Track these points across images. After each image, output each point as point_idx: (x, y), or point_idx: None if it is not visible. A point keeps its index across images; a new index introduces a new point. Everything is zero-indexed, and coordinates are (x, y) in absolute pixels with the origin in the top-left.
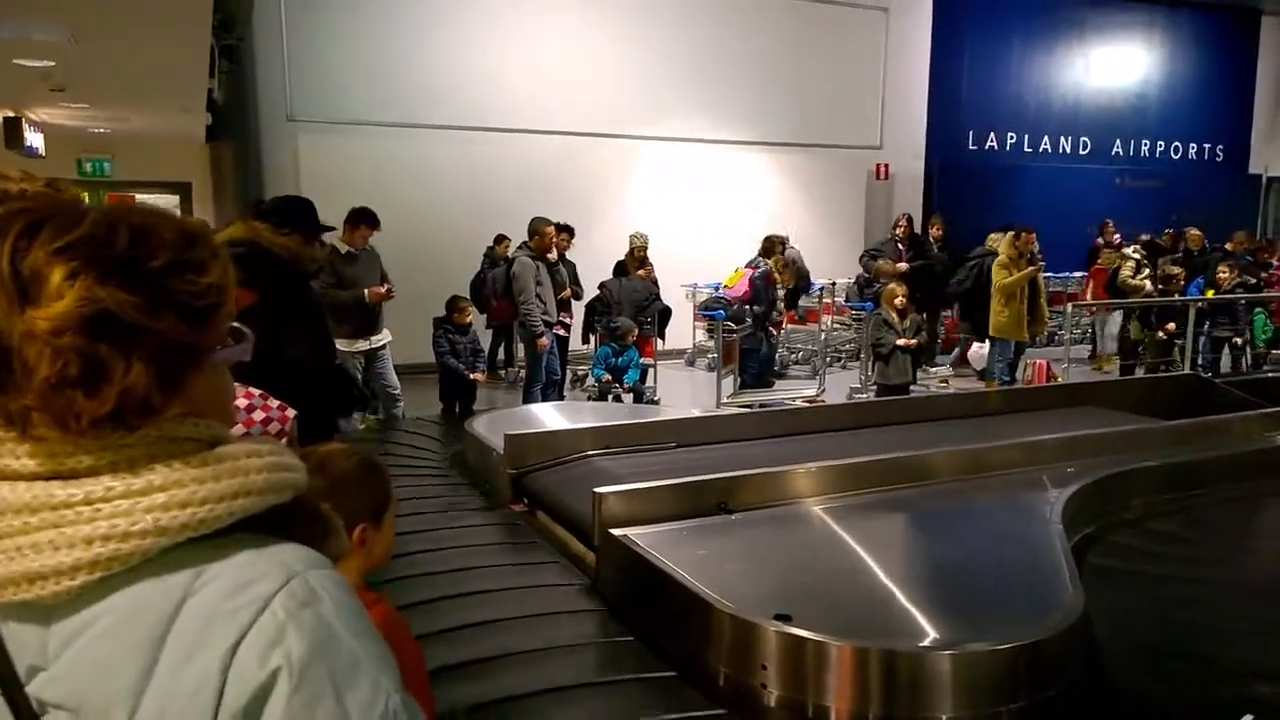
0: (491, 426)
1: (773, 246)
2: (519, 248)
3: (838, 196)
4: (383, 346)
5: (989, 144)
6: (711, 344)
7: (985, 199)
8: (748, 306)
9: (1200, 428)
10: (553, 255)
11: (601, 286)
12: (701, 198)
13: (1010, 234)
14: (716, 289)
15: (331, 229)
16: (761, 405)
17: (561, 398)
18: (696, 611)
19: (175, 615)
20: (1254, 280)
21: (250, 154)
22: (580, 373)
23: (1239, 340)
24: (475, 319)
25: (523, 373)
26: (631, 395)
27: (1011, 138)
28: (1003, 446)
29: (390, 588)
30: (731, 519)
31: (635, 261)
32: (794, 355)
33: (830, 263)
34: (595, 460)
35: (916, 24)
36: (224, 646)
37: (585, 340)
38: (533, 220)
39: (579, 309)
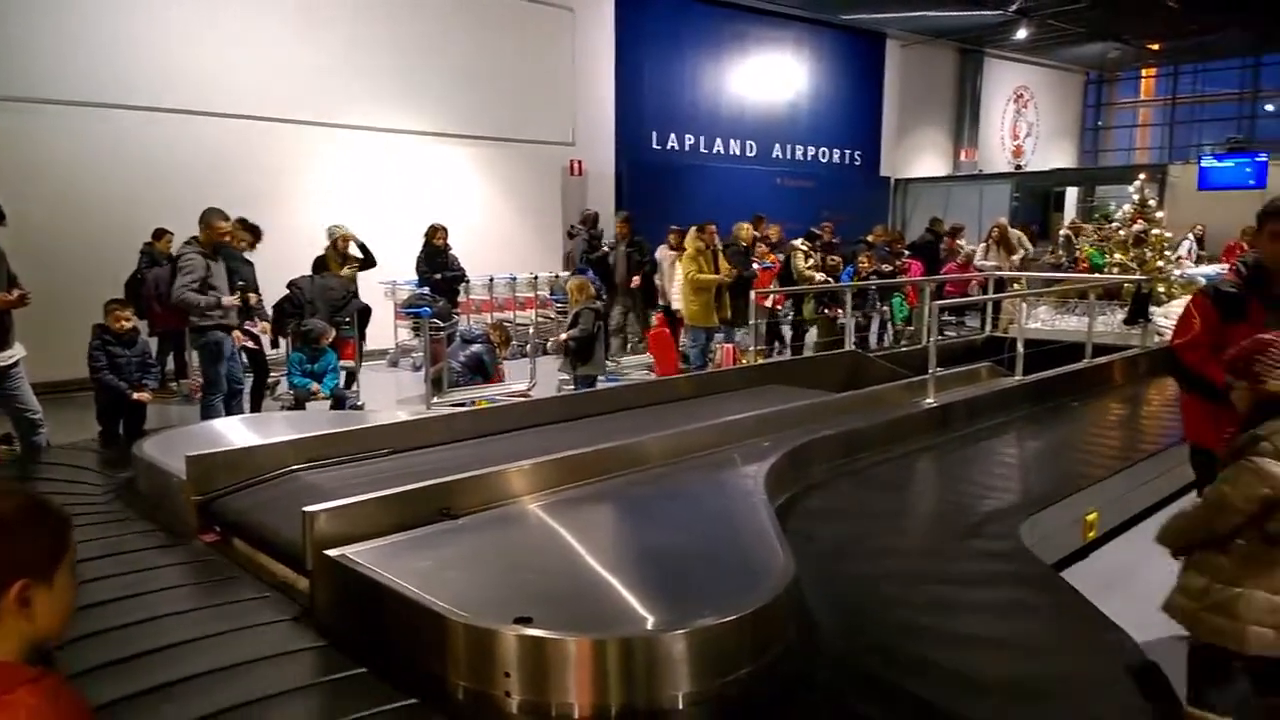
0: (167, 448)
1: None
2: (186, 243)
3: (535, 191)
4: (14, 363)
5: (670, 144)
6: (415, 343)
7: (669, 196)
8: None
9: (863, 397)
10: (243, 247)
11: (291, 285)
12: (400, 191)
13: (694, 228)
14: (417, 285)
15: None
16: (473, 404)
17: (257, 409)
18: (430, 627)
19: None
20: (890, 268)
21: None
22: (272, 380)
23: (865, 320)
24: (142, 327)
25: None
26: (332, 402)
27: (689, 139)
28: (705, 428)
29: (59, 654)
30: (456, 524)
31: (338, 256)
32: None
33: (534, 256)
34: (299, 476)
35: (601, 26)
36: None
37: (275, 345)
38: (205, 211)
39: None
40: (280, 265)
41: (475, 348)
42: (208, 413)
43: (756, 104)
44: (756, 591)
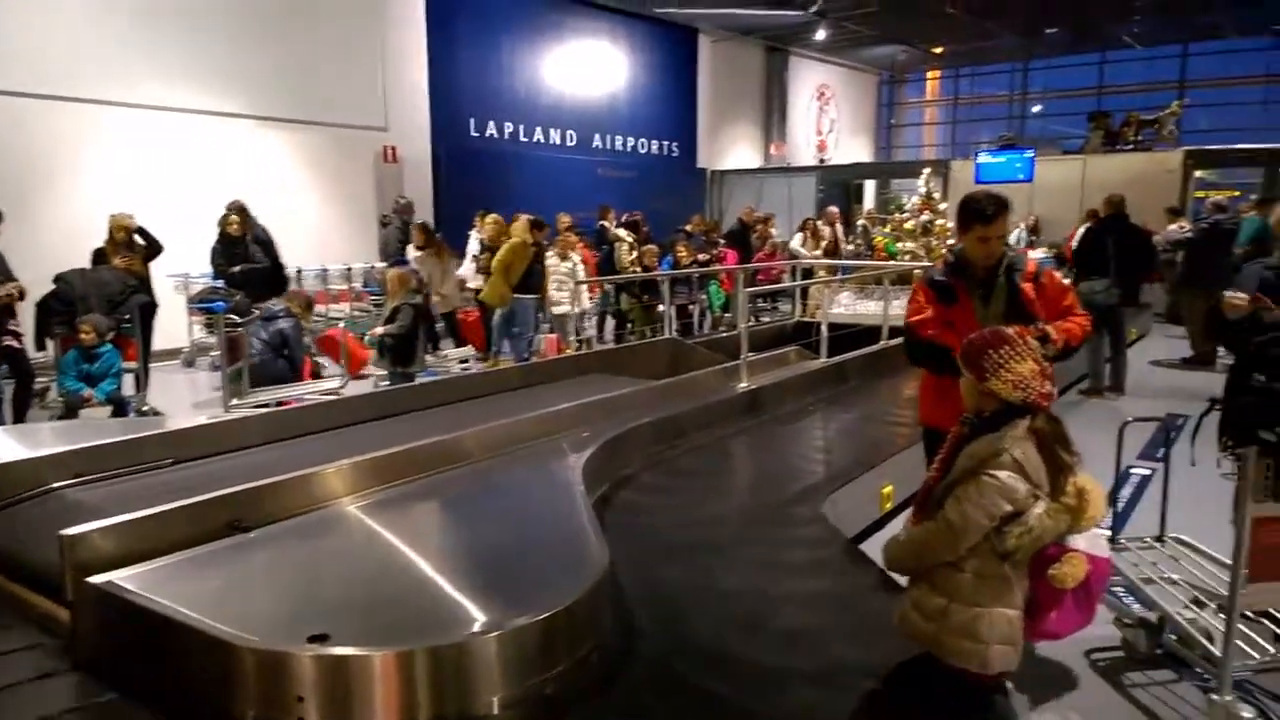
0: None
1: None
2: None
3: (346, 178)
4: None
5: (489, 132)
6: (213, 340)
7: (490, 183)
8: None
9: (682, 384)
10: None
11: (59, 280)
12: (194, 176)
13: (526, 220)
14: (214, 279)
15: None
16: (279, 405)
17: (21, 419)
18: (212, 655)
19: None
20: (707, 256)
21: None
22: (41, 387)
23: (692, 307)
24: None
25: None
26: (111, 408)
27: (508, 127)
28: (523, 420)
29: None
30: (249, 538)
31: (117, 248)
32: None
33: (346, 246)
34: (62, 494)
35: (412, 10)
36: None
37: (40, 346)
38: None
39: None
40: (53, 257)
41: (279, 324)
42: None
43: (576, 93)
44: (570, 587)
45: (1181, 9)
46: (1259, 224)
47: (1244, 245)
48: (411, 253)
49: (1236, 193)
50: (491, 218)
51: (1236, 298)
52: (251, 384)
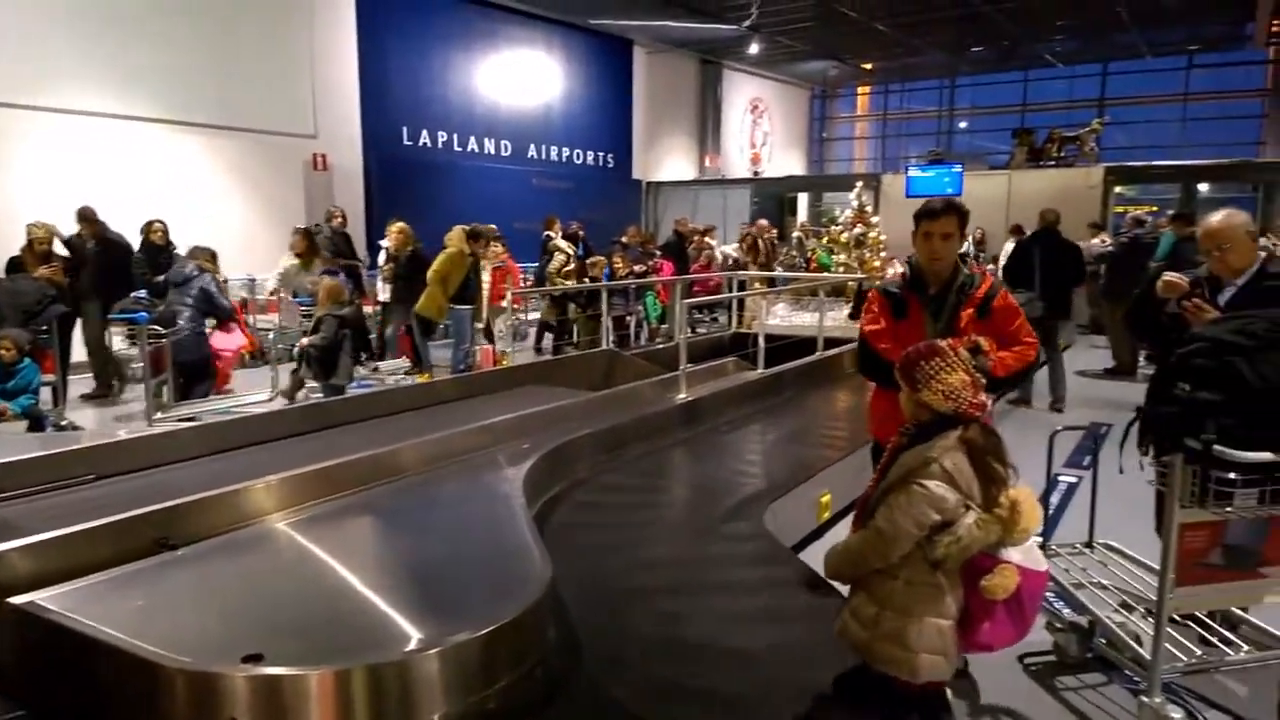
0: None
1: None
2: None
3: (274, 186)
4: None
5: (423, 141)
6: (134, 352)
7: (423, 193)
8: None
9: (620, 395)
10: None
11: None
12: (116, 183)
13: (461, 230)
14: (139, 288)
15: None
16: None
17: None
18: (141, 678)
19: None
20: (643, 268)
21: None
22: None
23: (629, 318)
24: None
25: None
26: (28, 423)
27: (442, 136)
28: (461, 433)
29: None
30: (177, 555)
31: (37, 257)
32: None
33: (275, 255)
34: None
35: (341, 15)
36: None
37: None
38: None
39: None
40: None
41: (197, 283)
42: None
43: (511, 104)
44: (512, 600)
45: (1101, 29)
46: (1175, 239)
47: (1161, 259)
48: (285, 259)
49: (1155, 208)
50: (397, 227)
51: (1175, 276)
52: (177, 377)
